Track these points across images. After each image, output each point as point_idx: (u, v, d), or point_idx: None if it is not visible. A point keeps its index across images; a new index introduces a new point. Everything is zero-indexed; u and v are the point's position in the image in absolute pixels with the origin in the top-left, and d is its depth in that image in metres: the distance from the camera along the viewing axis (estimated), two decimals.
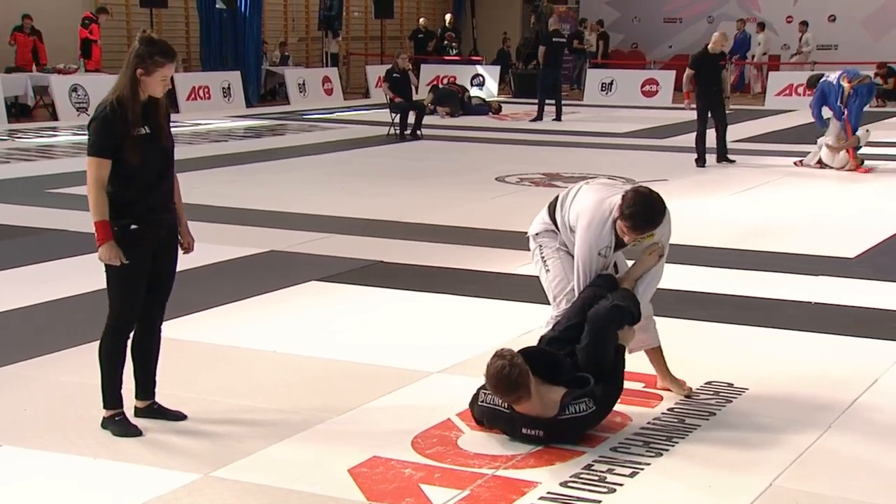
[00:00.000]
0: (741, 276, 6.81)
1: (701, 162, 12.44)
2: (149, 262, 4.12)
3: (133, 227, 4.05)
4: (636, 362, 4.60)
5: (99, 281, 6.52)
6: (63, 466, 3.88)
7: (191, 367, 4.96)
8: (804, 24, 23.61)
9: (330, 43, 23.27)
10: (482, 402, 4.18)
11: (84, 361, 5.07)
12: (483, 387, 4.18)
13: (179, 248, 4.28)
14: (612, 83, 22.68)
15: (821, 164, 12.17)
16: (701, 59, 12.47)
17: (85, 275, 6.79)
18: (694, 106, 12.65)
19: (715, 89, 12.39)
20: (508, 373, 3.96)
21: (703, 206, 9.67)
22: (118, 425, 4.15)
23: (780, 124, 17.68)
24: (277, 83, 22.29)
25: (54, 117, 17.21)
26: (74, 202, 9.60)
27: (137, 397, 4.31)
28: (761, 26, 24.01)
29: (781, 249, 7.74)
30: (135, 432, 4.14)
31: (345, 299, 6.32)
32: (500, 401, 4.06)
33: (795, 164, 12.36)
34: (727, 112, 12.97)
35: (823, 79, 12.36)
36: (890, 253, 7.71)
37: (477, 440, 4.12)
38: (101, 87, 17.77)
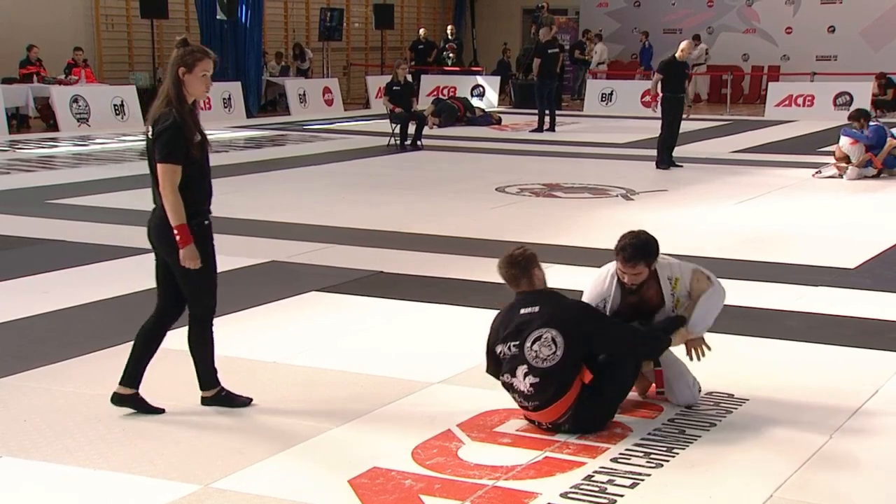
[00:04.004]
0: (741, 287, 6.80)
1: (663, 164, 12.99)
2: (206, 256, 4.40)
3: (206, 222, 4.40)
4: None
5: (97, 292, 6.58)
6: (63, 478, 3.88)
7: (192, 377, 4.95)
8: (697, 37, 24.15)
9: (301, 66, 23.33)
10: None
11: (84, 372, 5.08)
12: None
13: None
14: (612, 94, 22.72)
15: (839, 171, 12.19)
16: (669, 65, 13.01)
17: (84, 286, 6.80)
18: (659, 110, 13.18)
19: (680, 96, 12.99)
20: (518, 254, 4.44)
21: (702, 216, 9.67)
22: (228, 399, 4.54)
23: (780, 134, 17.71)
24: (278, 94, 22.33)
25: (55, 128, 17.23)
26: (74, 213, 9.62)
27: (203, 388, 4.58)
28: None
29: (781, 260, 7.74)
30: (244, 401, 4.55)
31: (345, 309, 6.32)
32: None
33: (814, 175, 12.33)
34: (687, 119, 13.63)
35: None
36: (890, 264, 7.71)
37: (477, 451, 4.12)
38: (101, 97, 17.88)
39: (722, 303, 4.69)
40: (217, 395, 4.57)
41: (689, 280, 4.64)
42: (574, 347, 4.24)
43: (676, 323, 4.58)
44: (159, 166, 4.27)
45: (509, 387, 4.36)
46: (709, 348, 4.63)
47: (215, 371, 4.60)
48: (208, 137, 4.51)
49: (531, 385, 4.25)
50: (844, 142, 12.22)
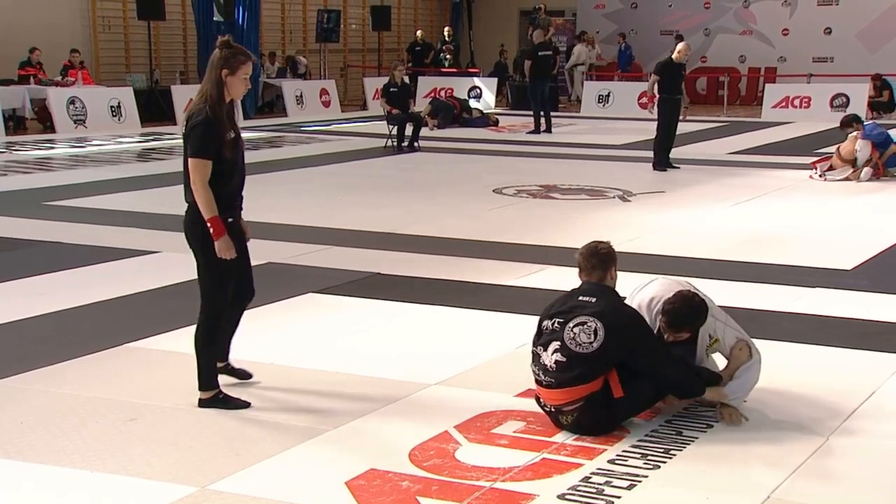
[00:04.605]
0: (738, 288, 6.81)
1: (660, 166, 12.99)
2: (236, 252, 4.52)
3: (229, 220, 4.50)
4: None
5: (95, 294, 6.57)
6: (60, 480, 3.87)
7: (187, 379, 4.95)
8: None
9: (298, 69, 23.35)
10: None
11: (81, 374, 5.08)
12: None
13: None
14: (608, 95, 22.73)
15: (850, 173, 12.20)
16: (666, 66, 13.06)
17: (82, 287, 6.79)
18: (655, 111, 13.19)
19: (677, 97, 13.02)
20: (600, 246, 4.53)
21: (700, 218, 9.68)
22: (224, 401, 4.57)
23: (777, 136, 17.73)
24: (275, 95, 22.33)
25: (51, 130, 17.21)
26: (71, 214, 9.61)
27: (201, 388, 4.62)
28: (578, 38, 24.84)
29: (778, 261, 7.75)
30: (241, 404, 4.58)
31: (343, 311, 6.32)
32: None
33: (820, 176, 12.30)
34: (684, 120, 13.64)
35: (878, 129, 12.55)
36: (887, 265, 7.72)
37: (475, 453, 4.12)
38: (98, 99, 17.87)
39: (759, 374, 4.59)
40: (214, 398, 4.58)
41: (729, 346, 4.60)
42: (611, 348, 4.25)
43: (715, 379, 4.53)
44: (190, 161, 4.40)
45: (535, 357, 4.41)
46: (746, 419, 4.47)
47: (216, 374, 4.63)
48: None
49: (556, 362, 4.28)
50: (858, 142, 12.19)
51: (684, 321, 4.51)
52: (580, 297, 4.42)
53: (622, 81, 24.00)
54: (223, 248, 4.42)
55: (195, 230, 4.47)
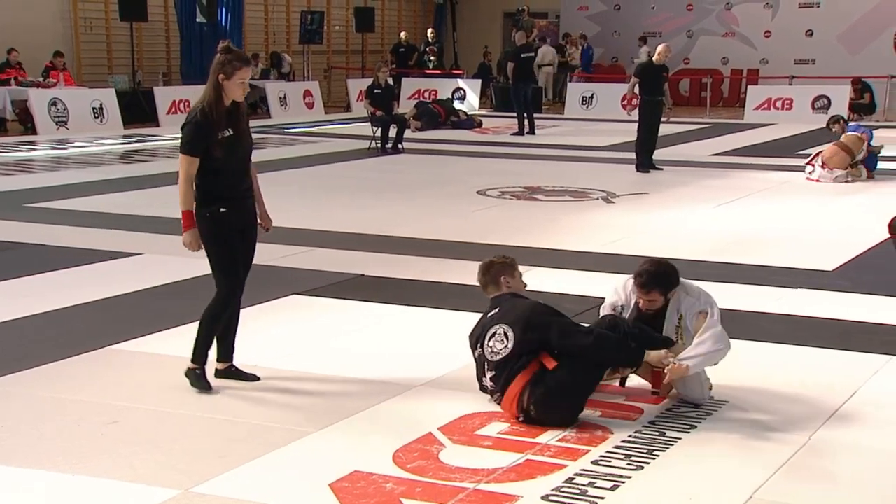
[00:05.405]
0: (719, 289, 6.81)
1: (643, 168, 13.03)
2: (239, 239, 4.81)
3: (222, 210, 4.73)
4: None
5: (77, 296, 6.54)
6: (41, 483, 3.85)
7: (172, 381, 4.94)
8: (644, 39, 25.10)
9: (283, 69, 23.34)
10: None
11: (64, 376, 5.05)
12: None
13: (261, 229, 5.03)
14: (592, 97, 22.78)
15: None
16: (646, 69, 13.16)
17: (64, 289, 6.76)
18: (636, 113, 13.34)
19: (658, 99, 13.05)
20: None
21: (682, 220, 9.72)
22: (196, 377, 4.83)
23: (759, 137, 17.81)
24: (258, 96, 22.27)
25: (33, 131, 17.11)
26: (53, 216, 9.56)
27: (219, 360, 4.96)
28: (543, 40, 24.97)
29: (760, 262, 7.79)
30: (206, 387, 4.80)
31: (326, 313, 6.31)
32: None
33: (823, 168, 12.34)
34: (667, 122, 13.78)
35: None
36: (868, 266, 7.77)
37: (458, 454, 4.13)
38: (80, 101, 17.77)
39: (719, 352, 4.56)
40: (192, 371, 4.87)
41: (693, 320, 4.66)
42: (525, 340, 4.41)
43: (659, 342, 4.57)
44: (180, 156, 4.69)
45: (483, 388, 4.61)
46: (687, 368, 4.48)
47: (206, 353, 4.88)
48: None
49: (491, 379, 4.49)
50: (852, 136, 12.31)
51: (655, 281, 4.67)
52: (487, 315, 4.67)
53: (606, 83, 24.05)
54: (186, 240, 4.72)
55: (198, 224, 4.74)
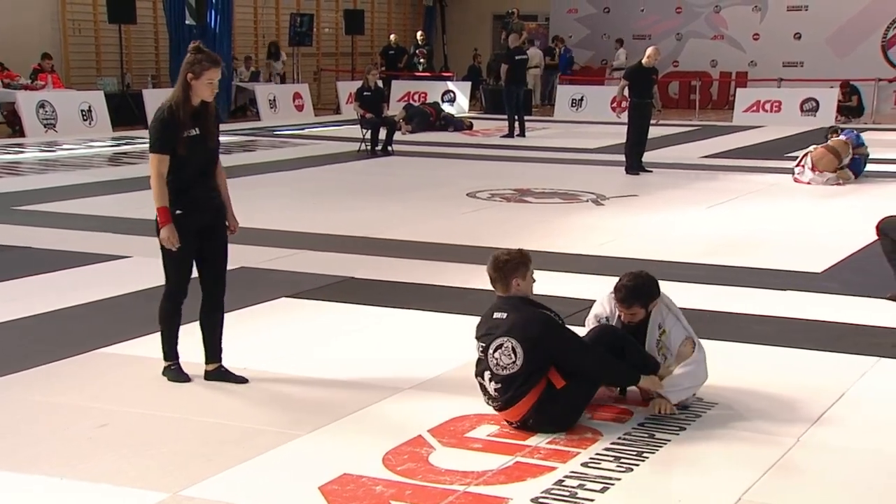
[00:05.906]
0: (708, 291, 6.86)
1: (632, 170, 13.05)
2: (193, 241, 4.78)
3: (178, 212, 4.72)
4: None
5: (66, 299, 6.51)
6: (30, 487, 3.83)
7: (161, 384, 4.93)
8: (620, 41, 25.37)
9: (275, 66, 23.32)
10: None
11: (51, 380, 5.03)
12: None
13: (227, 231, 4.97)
14: (581, 99, 22.83)
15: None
16: (635, 71, 13.16)
17: (52, 292, 6.73)
18: (626, 116, 13.35)
19: (647, 101, 13.11)
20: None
21: (671, 222, 9.74)
22: (172, 373, 4.94)
23: (748, 140, 17.87)
24: (248, 99, 22.24)
25: (21, 134, 17.04)
26: (40, 219, 9.52)
27: (207, 362, 4.98)
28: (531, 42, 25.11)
29: (748, 264, 7.81)
30: (185, 379, 4.91)
31: (316, 316, 6.30)
32: None
33: (813, 169, 12.38)
34: (657, 124, 13.79)
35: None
36: (857, 268, 7.79)
37: (448, 457, 4.12)
38: (69, 103, 17.71)
39: (702, 376, 4.65)
40: (167, 368, 4.97)
41: (676, 343, 4.70)
42: (534, 359, 4.36)
43: (653, 367, 4.63)
44: (150, 154, 4.75)
45: (481, 386, 4.55)
46: (674, 413, 4.56)
47: (174, 348, 4.95)
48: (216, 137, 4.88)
49: (495, 389, 4.43)
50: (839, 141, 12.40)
51: (634, 296, 4.67)
52: (494, 315, 4.52)
53: (596, 86, 24.11)
54: (164, 236, 4.71)
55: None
